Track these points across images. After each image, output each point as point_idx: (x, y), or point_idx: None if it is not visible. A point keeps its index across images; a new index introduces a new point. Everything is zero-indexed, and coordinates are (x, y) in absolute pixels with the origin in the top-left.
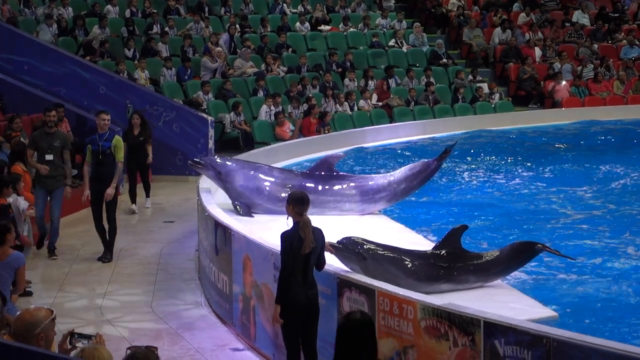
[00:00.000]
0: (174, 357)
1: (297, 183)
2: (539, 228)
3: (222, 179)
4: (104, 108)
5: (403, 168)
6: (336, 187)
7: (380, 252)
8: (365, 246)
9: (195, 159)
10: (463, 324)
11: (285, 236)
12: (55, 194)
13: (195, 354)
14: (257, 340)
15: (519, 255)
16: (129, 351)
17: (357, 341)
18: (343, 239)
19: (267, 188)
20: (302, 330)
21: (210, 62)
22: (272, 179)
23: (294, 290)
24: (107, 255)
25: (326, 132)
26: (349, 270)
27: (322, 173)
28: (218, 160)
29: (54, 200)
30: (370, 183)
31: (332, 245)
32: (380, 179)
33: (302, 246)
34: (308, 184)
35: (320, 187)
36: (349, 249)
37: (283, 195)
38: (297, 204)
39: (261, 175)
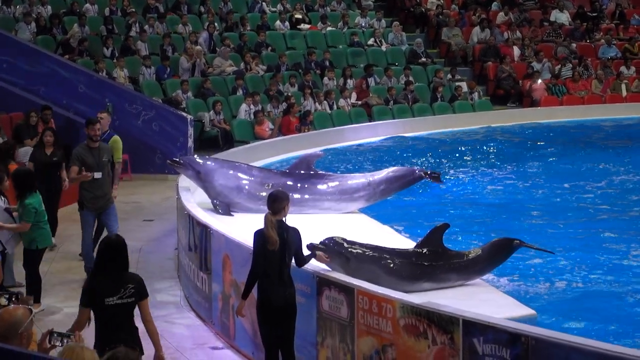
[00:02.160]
0: (153, 355)
1: (276, 182)
2: (518, 225)
3: (202, 178)
4: (83, 107)
5: (386, 170)
6: (315, 186)
7: (362, 251)
8: (347, 246)
9: (174, 159)
10: (442, 322)
11: (255, 234)
12: (109, 212)
13: (174, 353)
14: (237, 339)
15: (498, 252)
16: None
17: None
18: (325, 239)
19: (247, 187)
20: (279, 329)
21: (187, 61)
22: (251, 178)
23: (270, 290)
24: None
25: (306, 130)
26: (329, 269)
27: (301, 172)
28: (197, 159)
29: (110, 217)
30: (349, 182)
31: (314, 246)
32: (360, 178)
33: (268, 244)
34: (287, 183)
35: (299, 186)
36: (332, 249)
37: (262, 194)
38: (268, 203)
39: (240, 174)
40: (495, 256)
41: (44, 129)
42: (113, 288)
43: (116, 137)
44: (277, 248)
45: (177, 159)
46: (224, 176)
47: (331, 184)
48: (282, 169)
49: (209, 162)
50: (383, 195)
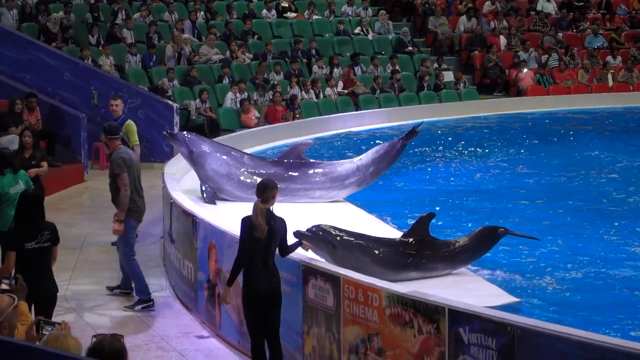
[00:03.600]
0: (139, 344)
1: (266, 171)
2: (505, 213)
3: (193, 158)
4: (69, 94)
5: (369, 151)
6: (305, 175)
7: (349, 240)
8: (334, 233)
9: (171, 131)
10: (428, 311)
11: (242, 221)
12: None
13: (160, 341)
14: (223, 328)
15: (484, 240)
16: (94, 339)
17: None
18: (312, 227)
19: (237, 175)
20: (264, 318)
21: (173, 49)
22: (243, 166)
23: (256, 278)
24: None
25: (297, 116)
26: (315, 257)
27: (291, 161)
28: (194, 138)
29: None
30: (339, 169)
31: (301, 233)
32: (348, 164)
33: (255, 231)
34: (277, 172)
35: (289, 175)
36: (319, 236)
37: (251, 182)
38: (258, 191)
39: (232, 162)
40: (481, 245)
41: (23, 128)
42: (32, 234)
43: (129, 122)
44: (263, 236)
45: (174, 133)
46: (215, 161)
47: (321, 172)
48: (273, 157)
49: (204, 144)
50: (373, 177)
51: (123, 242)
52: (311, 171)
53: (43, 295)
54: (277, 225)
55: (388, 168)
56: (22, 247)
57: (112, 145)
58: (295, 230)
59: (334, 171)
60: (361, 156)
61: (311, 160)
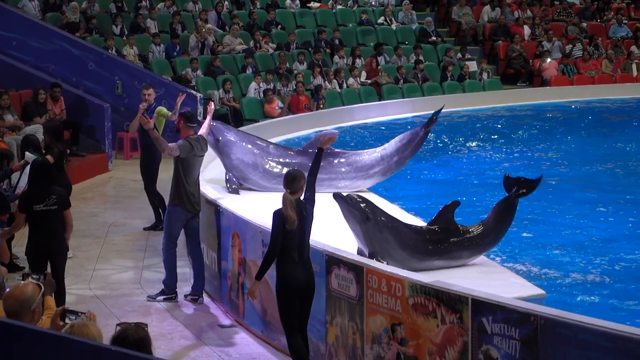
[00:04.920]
0: (163, 333)
1: (292, 160)
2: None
3: (219, 147)
4: (93, 84)
5: (392, 140)
6: (330, 165)
7: (383, 219)
8: (372, 207)
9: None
10: (451, 301)
11: (274, 214)
12: (195, 224)
13: (183, 331)
14: (246, 317)
15: (503, 216)
16: (118, 327)
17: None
18: (353, 194)
19: (262, 164)
20: (298, 310)
21: (197, 39)
22: (268, 155)
23: (291, 269)
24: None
25: (321, 106)
26: (338, 248)
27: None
28: (220, 127)
29: (195, 231)
30: (363, 158)
31: (340, 195)
32: (372, 154)
33: (287, 223)
34: (303, 162)
35: None
36: (357, 204)
37: (277, 172)
38: (286, 182)
39: (258, 151)
40: (502, 221)
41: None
42: (40, 198)
43: (158, 108)
44: (294, 228)
45: (200, 120)
46: (241, 150)
47: (346, 161)
48: (297, 147)
49: (230, 133)
50: (398, 167)
51: (166, 229)
52: (336, 161)
53: (54, 255)
54: (308, 213)
55: (412, 157)
56: (31, 209)
57: (185, 134)
58: (335, 192)
59: (359, 161)
60: (385, 145)
61: (336, 150)
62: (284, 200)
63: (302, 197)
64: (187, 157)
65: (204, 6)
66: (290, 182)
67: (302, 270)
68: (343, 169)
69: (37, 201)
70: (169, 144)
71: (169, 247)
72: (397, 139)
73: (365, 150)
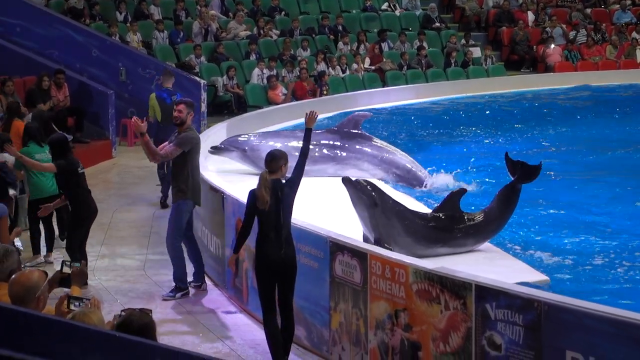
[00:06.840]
0: (167, 319)
1: (320, 139)
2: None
3: (249, 155)
4: (97, 71)
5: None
6: (361, 146)
7: (391, 205)
8: (380, 193)
9: (214, 146)
10: (454, 287)
11: (249, 193)
12: (191, 213)
13: (187, 317)
14: (250, 304)
15: (507, 202)
16: (122, 313)
17: None
18: (362, 179)
19: (294, 150)
20: (277, 289)
21: (199, 25)
22: (296, 141)
23: (266, 247)
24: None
25: (325, 92)
26: (341, 234)
27: (349, 130)
28: (238, 139)
29: (191, 221)
30: (394, 157)
31: (349, 180)
32: (406, 160)
33: (257, 203)
34: (333, 140)
35: (344, 144)
36: (365, 189)
37: (317, 155)
38: (265, 161)
39: (285, 141)
40: (506, 207)
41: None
42: (77, 162)
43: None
44: (267, 208)
45: (218, 145)
46: (271, 146)
47: (376, 148)
48: (331, 126)
49: (251, 139)
50: (409, 183)
51: (174, 224)
52: (366, 144)
53: (91, 211)
54: (286, 195)
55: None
56: (76, 171)
57: (187, 125)
58: (344, 176)
59: (388, 154)
60: (419, 167)
61: (368, 135)
62: (260, 179)
63: (287, 177)
64: (192, 147)
65: None
66: (269, 161)
67: (278, 250)
68: (371, 153)
69: (77, 164)
70: (161, 152)
71: (177, 242)
72: (428, 175)
73: (402, 153)
